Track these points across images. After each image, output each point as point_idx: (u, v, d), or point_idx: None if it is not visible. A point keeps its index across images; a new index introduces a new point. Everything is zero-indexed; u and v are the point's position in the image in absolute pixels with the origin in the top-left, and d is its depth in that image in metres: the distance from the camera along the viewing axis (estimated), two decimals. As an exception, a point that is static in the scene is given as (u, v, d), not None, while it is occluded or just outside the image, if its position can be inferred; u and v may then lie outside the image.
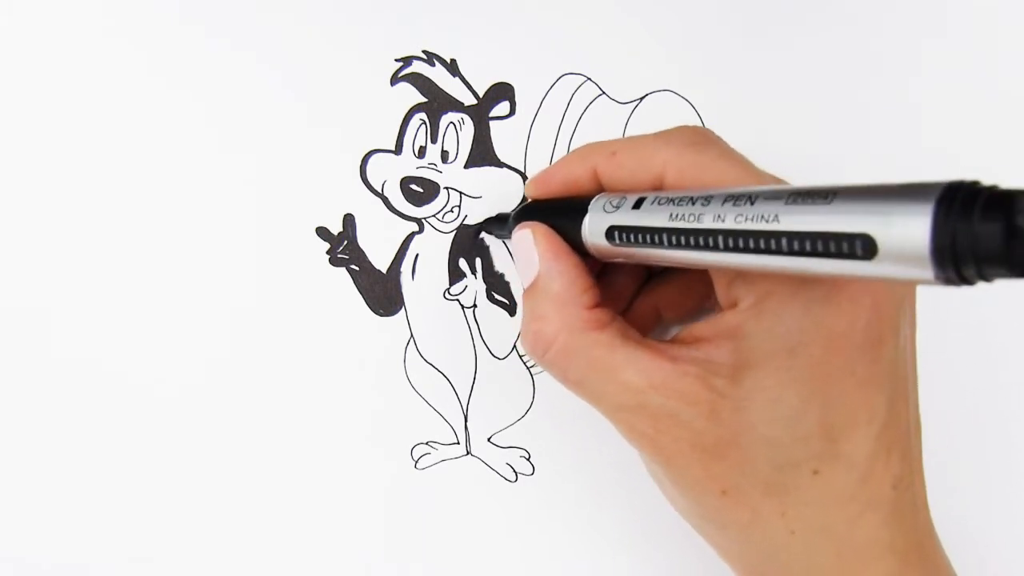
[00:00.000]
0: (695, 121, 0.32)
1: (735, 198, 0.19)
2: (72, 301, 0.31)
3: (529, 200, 0.28)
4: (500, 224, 0.30)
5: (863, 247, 0.16)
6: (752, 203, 0.18)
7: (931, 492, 0.24)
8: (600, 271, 0.28)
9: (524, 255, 0.25)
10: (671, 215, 0.20)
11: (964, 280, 0.14)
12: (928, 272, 0.15)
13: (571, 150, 0.26)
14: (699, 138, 0.23)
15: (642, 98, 0.32)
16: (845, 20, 0.33)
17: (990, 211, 0.14)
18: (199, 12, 0.31)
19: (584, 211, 0.24)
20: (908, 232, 0.15)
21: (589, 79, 0.32)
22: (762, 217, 0.18)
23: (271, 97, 0.31)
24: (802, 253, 0.17)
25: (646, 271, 0.29)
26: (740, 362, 0.21)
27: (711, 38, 0.33)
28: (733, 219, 0.18)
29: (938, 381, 0.33)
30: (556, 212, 0.26)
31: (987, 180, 0.15)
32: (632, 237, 0.22)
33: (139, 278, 0.31)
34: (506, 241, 0.31)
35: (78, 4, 0.31)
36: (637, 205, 0.22)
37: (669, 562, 0.32)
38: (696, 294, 0.27)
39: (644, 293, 0.28)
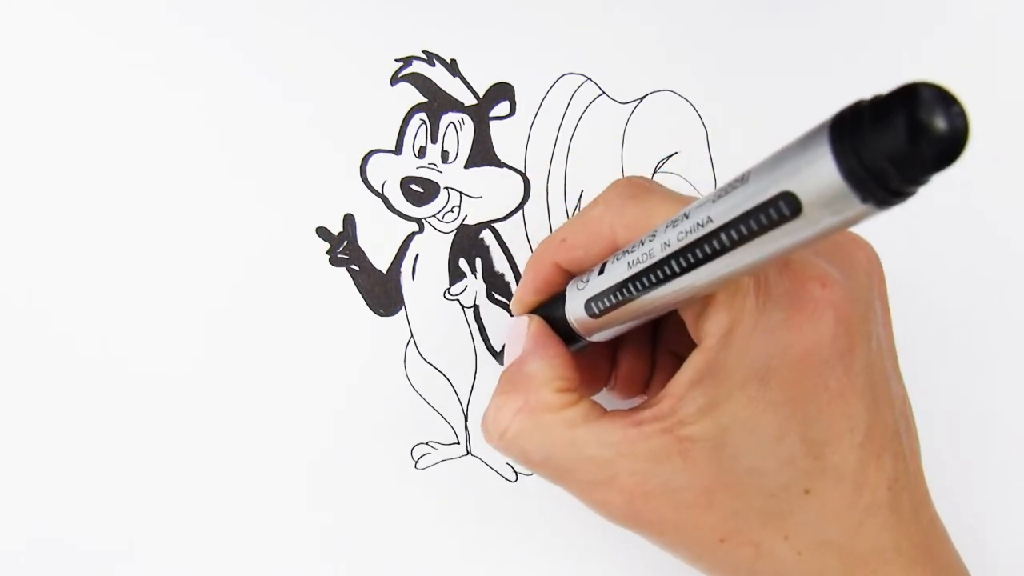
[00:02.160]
0: (695, 120, 0.32)
1: (674, 221, 0.19)
2: (72, 302, 0.31)
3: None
4: None
5: (788, 206, 0.15)
6: (687, 217, 0.18)
7: (933, 493, 0.24)
8: (617, 360, 0.28)
9: (514, 339, 0.26)
10: (628, 263, 0.21)
11: (895, 193, 0.14)
12: (854, 201, 0.14)
13: (529, 257, 0.26)
14: (636, 190, 0.23)
15: (642, 98, 0.32)
16: (845, 20, 0.33)
17: (882, 118, 0.13)
18: (199, 12, 0.31)
19: (564, 301, 0.25)
20: (818, 171, 0.15)
21: (589, 79, 0.32)
22: (698, 225, 0.18)
23: (271, 97, 0.31)
24: (742, 240, 0.17)
25: (653, 332, 0.29)
26: (711, 400, 0.21)
27: (711, 38, 0.33)
28: (676, 239, 0.19)
29: (935, 379, 0.33)
30: (543, 312, 0.26)
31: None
32: (607, 301, 0.22)
33: (139, 278, 0.31)
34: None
35: (78, 4, 0.31)
36: (601, 271, 0.23)
37: (669, 562, 0.32)
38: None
39: (660, 352, 0.28)
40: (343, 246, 0.31)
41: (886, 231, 0.26)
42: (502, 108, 0.32)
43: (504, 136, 0.32)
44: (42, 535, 0.30)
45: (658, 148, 0.33)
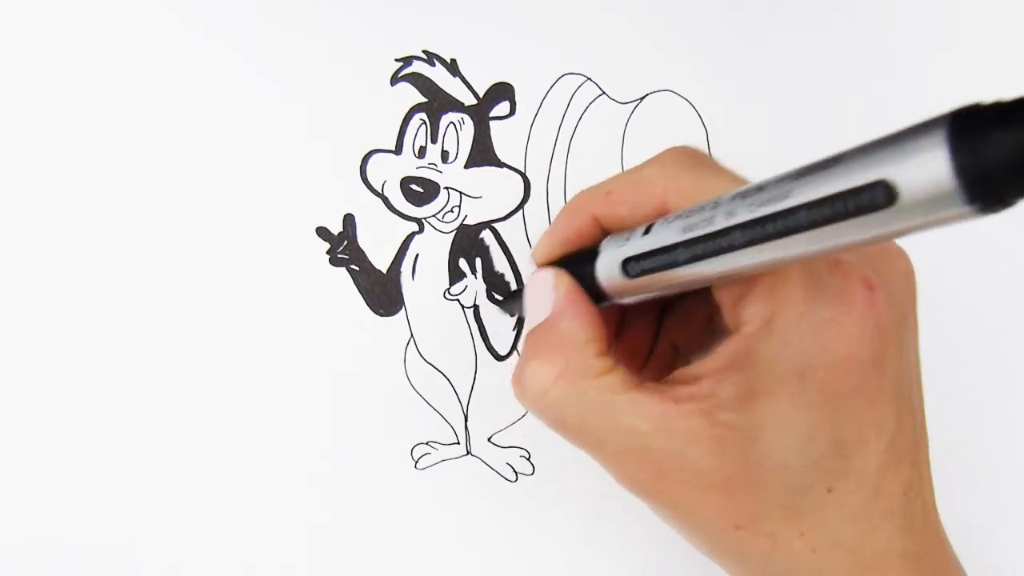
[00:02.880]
0: (695, 120, 0.32)
1: (744, 193, 0.18)
2: (73, 302, 0.31)
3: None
4: (515, 299, 0.30)
5: (883, 194, 0.15)
6: (762, 190, 0.18)
7: (937, 499, 0.24)
8: (618, 328, 0.27)
9: (539, 296, 0.24)
10: (683, 228, 0.20)
11: (1001, 201, 0.14)
12: (957, 201, 0.14)
13: (564, 205, 0.25)
14: (693, 159, 0.23)
15: (642, 98, 0.32)
16: (846, 19, 0.33)
17: (1007, 120, 0.13)
18: (199, 12, 0.31)
19: (595, 256, 0.23)
20: (927, 163, 0.14)
21: (589, 79, 0.32)
22: (774, 199, 0.17)
23: (271, 97, 0.31)
24: (823, 222, 0.16)
25: (659, 316, 0.28)
26: (749, 391, 0.21)
27: (711, 38, 0.33)
28: (746, 209, 0.18)
29: (940, 383, 0.33)
30: (568, 265, 0.25)
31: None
32: (649, 263, 0.21)
33: (138, 278, 0.31)
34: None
35: (78, 4, 0.31)
36: (647, 232, 0.21)
37: (669, 562, 0.32)
38: (701, 316, 0.27)
39: (660, 340, 0.28)
40: (343, 246, 0.31)
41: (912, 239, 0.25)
42: (502, 108, 0.32)
43: (504, 136, 0.32)
44: (41, 535, 0.30)
45: (658, 148, 0.32)
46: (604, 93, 0.32)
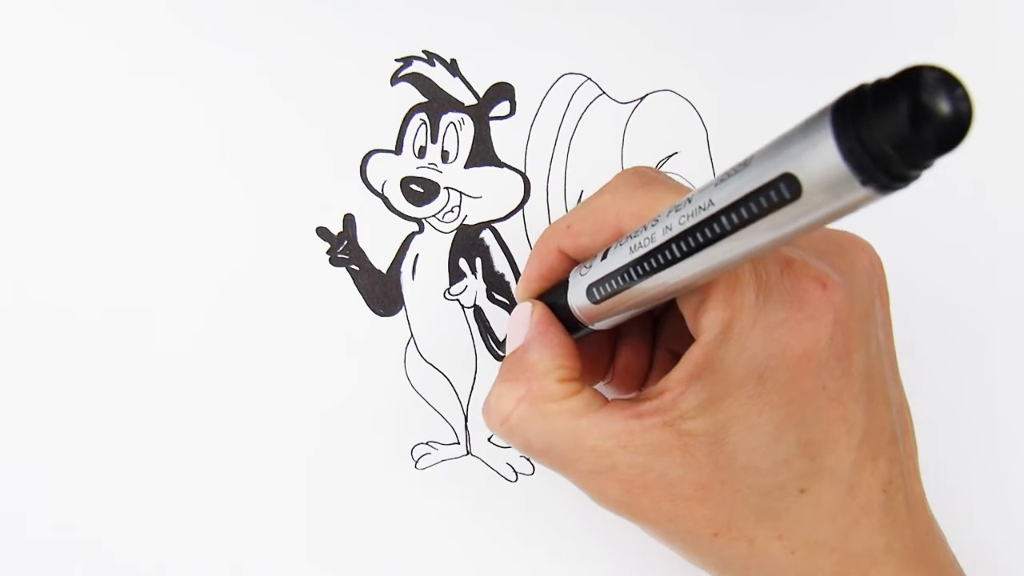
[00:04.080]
0: (695, 120, 0.32)
1: (676, 207, 0.19)
2: (74, 302, 0.31)
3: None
4: None
5: (788, 188, 0.15)
6: (690, 201, 0.18)
7: (931, 494, 0.24)
8: (615, 353, 0.28)
9: (517, 325, 0.26)
10: (631, 248, 0.21)
11: (897, 177, 0.14)
12: (855, 184, 0.14)
13: (534, 244, 0.26)
14: (643, 179, 0.23)
15: (642, 98, 0.32)
16: (846, 19, 0.33)
17: (885, 100, 0.13)
18: (200, 13, 0.31)
19: (566, 287, 0.25)
20: (819, 153, 0.14)
21: (589, 79, 0.32)
22: (700, 208, 0.18)
23: (271, 97, 0.31)
24: (743, 224, 0.17)
25: (653, 327, 0.29)
26: (710, 397, 0.21)
27: (711, 38, 0.33)
28: (678, 223, 0.19)
29: (934, 381, 0.33)
30: (545, 299, 0.26)
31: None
32: (608, 287, 0.22)
33: (137, 278, 0.31)
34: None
35: (78, 5, 0.31)
36: (604, 257, 0.23)
37: (669, 561, 0.32)
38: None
39: (658, 349, 0.28)
40: (343, 246, 0.31)
41: (887, 230, 0.26)
42: (502, 108, 0.32)
43: (504, 136, 0.32)
44: (40, 534, 0.30)
45: (658, 148, 0.33)
46: (604, 93, 0.32)
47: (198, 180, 0.31)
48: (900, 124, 0.13)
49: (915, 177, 0.14)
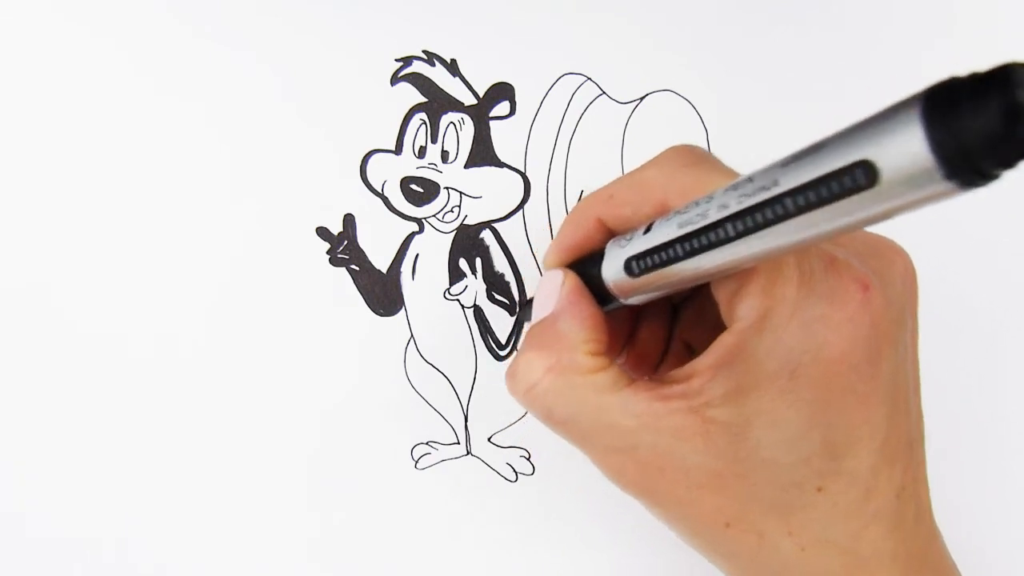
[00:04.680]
0: (695, 120, 0.32)
1: (735, 185, 0.18)
2: (75, 302, 0.31)
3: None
4: (530, 306, 0.30)
5: (864, 175, 0.15)
6: (751, 180, 0.18)
7: (933, 496, 0.24)
8: (632, 331, 0.28)
9: (546, 293, 0.25)
10: (679, 223, 0.20)
11: (982, 174, 0.14)
12: (937, 177, 0.14)
13: (569, 211, 0.26)
14: (692, 157, 0.23)
15: (642, 98, 0.32)
16: (846, 19, 0.33)
17: (979, 95, 0.13)
18: (200, 13, 0.31)
19: (600, 258, 0.24)
20: (904, 142, 0.14)
21: (589, 79, 0.32)
22: (762, 188, 0.17)
23: (272, 97, 0.31)
24: (809, 207, 0.16)
25: (672, 316, 0.28)
26: (738, 387, 0.21)
27: (711, 38, 0.33)
28: (736, 201, 0.18)
29: (939, 383, 0.33)
30: (576, 268, 0.25)
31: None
32: (649, 261, 0.21)
33: (137, 278, 0.31)
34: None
35: (78, 5, 0.31)
36: (647, 230, 0.22)
37: (669, 561, 0.32)
38: (711, 315, 0.27)
39: (674, 339, 0.28)
40: (343, 246, 0.31)
41: (900, 231, 0.26)
42: (502, 108, 0.32)
43: (504, 136, 0.32)
44: (40, 534, 0.30)
45: (658, 148, 0.32)
46: (604, 93, 0.32)
47: (198, 180, 0.31)
48: (993, 120, 0.13)
49: (997, 176, 0.14)
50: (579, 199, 0.32)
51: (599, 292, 0.24)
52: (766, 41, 0.33)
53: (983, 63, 0.14)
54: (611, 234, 0.24)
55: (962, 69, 0.14)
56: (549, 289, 0.25)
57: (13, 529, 0.30)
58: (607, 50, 0.32)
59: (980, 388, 0.33)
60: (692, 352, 0.28)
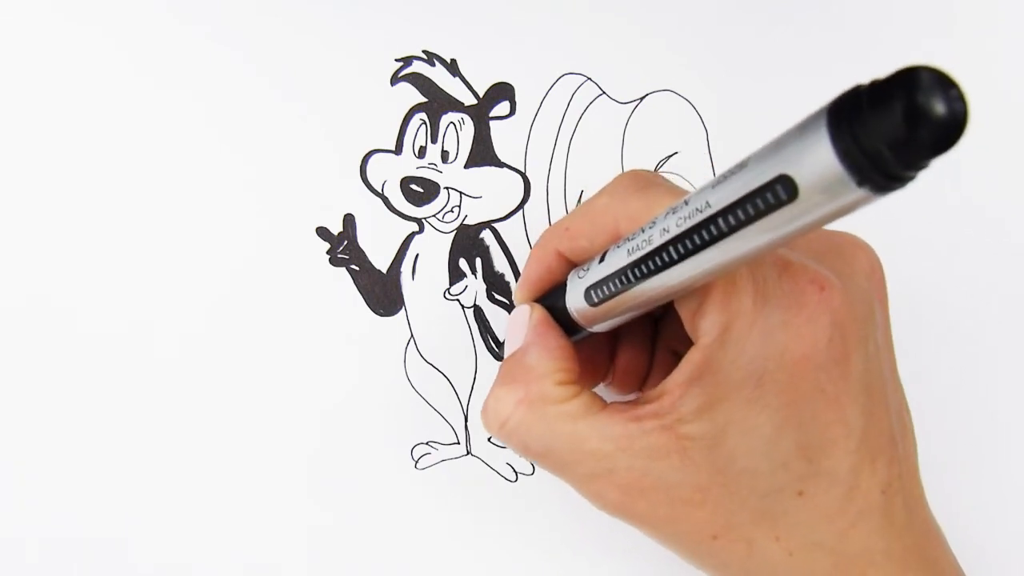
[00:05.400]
0: (695, 120, 0.32)
1: (674, 208, 0.19)
2: (75, 301, 0.31)
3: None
4: None
5: (784, 190, 0.15)
6: (687, 203, 0.18)
7: (930, 494, 0.24)
8: (615, 354, 0.28)
9: (516, 328, 0.26)
10: (628, 251, 0.21)
11: (893, 177, 0.14)
12: (850, 185, 0.14)
13: (532, 247, 0.26)
14: (641, 183, 0.23)
15: (642, 98, 0.32)
16: (846, 19, 0.33)
17: (880, 101, 0.13)
18: (199, 13, 0.31)
19: (564, 290, 0.24)
20: (815, 154, 0.14)
21: (589, 79, 0.32)
22: (697, 210, 0.18)
23: (272, 97, 0.31)
24: (740, 226, 0.17)
25: (654, 327, 0.29)
26: (709, 400, 0.21)
27: (711, 38, 0.33)
28: (675, 225, 0.18)
29: (934, 381, 0.33)
30: (544, 302, 0.26)
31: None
32: (606, 289, 0.22)
33: (137, 278, 0.31)
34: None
35: (78, 5, 0.31)
36: (602, 259, 0.22)
37: (669, 562, 0.32)
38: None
39: (659, 349, 0.28)
40: (343, 246, 0.31)
41: (886, 231, 0.26)
42: (502, 108, 0.32)
43: (504, 136, 0.32)
44: (40, 534, 0.30)
45: (658, 148, 0.33)
46: (604, 93, 0.32)
47: (198, 180, 0.31)
48: (895, 125, 0.13)
49: (911, 178, 0.14)
50: (579, 199, 0.32)
51: (567, 323, 0.25)
52: (766, 41, 0.33)
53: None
54: (572, 265, 0.25)
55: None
56: (518, 324, 0.26)
57: (13, 529, 0.30)
58: (607, 50, 0.32)
59: (977, 386, 0.33)
60: (680, 359, 0.28)
